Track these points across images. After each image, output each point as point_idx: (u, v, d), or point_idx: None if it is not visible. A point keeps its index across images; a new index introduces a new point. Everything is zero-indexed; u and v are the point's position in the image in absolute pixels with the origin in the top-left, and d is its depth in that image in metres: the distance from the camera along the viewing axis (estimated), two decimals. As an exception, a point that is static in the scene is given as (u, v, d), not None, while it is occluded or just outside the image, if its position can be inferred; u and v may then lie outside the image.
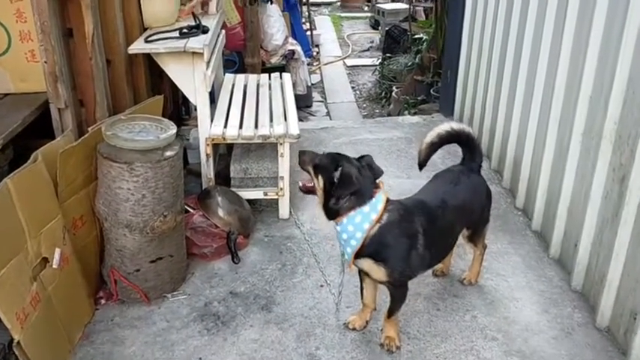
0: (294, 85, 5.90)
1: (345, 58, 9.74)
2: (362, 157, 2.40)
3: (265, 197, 3.48)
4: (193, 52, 3.06)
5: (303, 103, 7.07)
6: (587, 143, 2.85)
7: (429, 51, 6.86)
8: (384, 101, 7.70)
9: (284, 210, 3.50)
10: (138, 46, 3.10)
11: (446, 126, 2.68)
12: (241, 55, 5.81)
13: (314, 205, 3.67)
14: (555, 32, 3.17)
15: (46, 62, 2.53)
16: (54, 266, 2.41)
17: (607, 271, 2.60)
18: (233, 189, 3.47)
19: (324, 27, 11.69)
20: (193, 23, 3.37)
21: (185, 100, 4.93)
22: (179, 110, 4.69)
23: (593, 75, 2.77)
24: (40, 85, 2.72)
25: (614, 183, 2.59)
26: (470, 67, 4.76)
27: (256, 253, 3.21)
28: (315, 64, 9.20)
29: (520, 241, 3.33)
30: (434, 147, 2.66)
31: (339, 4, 14.54)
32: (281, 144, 3.31)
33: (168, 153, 2.63)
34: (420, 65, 7.04)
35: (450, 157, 3.79)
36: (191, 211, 3.20)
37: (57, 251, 2.43)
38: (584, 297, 2.85)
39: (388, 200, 2.34)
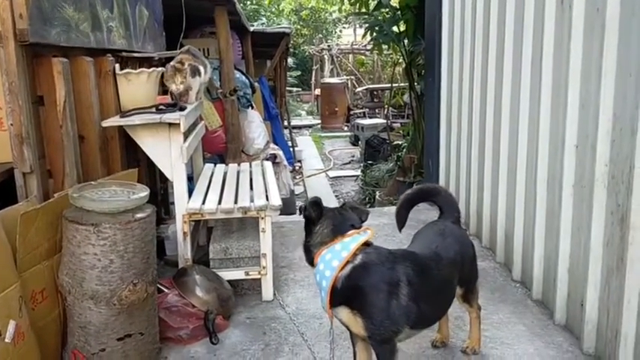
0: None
1: (327, 170, 9.85)
2: (343, 204, 2.32)
3: (247, 277, 3.25)
4: (170, 124, 2.99)
5: (286, 210, 6.92)
6: (580, 194, 2.74)
7: (409, 152, 6.99)
8: (368, 206, 7.65)
9: (267, 291, 3.25)
10: (112, 120, 3.03)
11: (421, 184, 2.62)
12: (223, 157, 5.79)
13: (299, 287, 3.45)
14: (532, 93, 3.19)
15: (12, 124, 2.42)
16: (6, 340, 2.12)
17: (620, 325, 2.38)
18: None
19: (305, 145, 11.97)
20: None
21: (164, 200, 4.82)
22: (159, 210, 4.55)
23: (577, 123, 2.74)
24: (6, 155, 2.58)
25: (614, 226, 2.45)
26: (450, 153, 4.77)
27: (237, 335, 2.92)
28: (297, 177, 9.24)
29: (522, 310, 3.09)
30: (409, 200, 2.58)
31: (319, 126, 15.02)
32: (262, 218, 3.14)
33: (140, 215, 2.45)
34: (402, 167, 7.13)
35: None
36: (165, 290, 2.95)
37: (11, 323, 2.16)
38: (598, 359, 2.59)
39: (369, 244, 2.17)
